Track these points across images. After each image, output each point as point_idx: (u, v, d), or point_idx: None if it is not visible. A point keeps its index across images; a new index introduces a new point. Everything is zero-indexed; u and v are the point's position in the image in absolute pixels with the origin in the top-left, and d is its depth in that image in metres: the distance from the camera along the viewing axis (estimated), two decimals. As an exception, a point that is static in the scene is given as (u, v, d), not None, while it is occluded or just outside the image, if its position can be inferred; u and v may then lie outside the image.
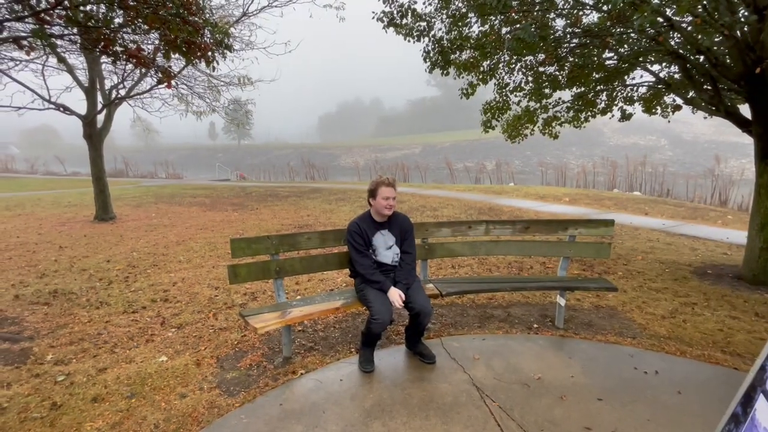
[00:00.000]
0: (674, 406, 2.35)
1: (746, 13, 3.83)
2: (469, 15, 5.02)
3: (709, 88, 4.62)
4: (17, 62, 5.86)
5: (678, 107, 5.85)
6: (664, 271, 4.95)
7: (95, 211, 8.46)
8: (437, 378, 2.62)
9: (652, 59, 5.00)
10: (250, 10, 8.01)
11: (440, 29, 5.37)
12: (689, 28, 4.14)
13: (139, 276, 4.80)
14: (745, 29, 3.90)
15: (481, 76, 5.67)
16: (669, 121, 6.58)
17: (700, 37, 4.00)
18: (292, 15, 8.28)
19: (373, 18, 5.36)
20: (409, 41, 5.44)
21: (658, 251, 5.92)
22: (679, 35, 4.47)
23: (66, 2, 3.07)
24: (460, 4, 5.00)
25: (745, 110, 4.71)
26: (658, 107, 6.08)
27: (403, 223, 2.86)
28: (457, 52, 5.39)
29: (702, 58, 4.36)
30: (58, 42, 4.46)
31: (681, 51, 4.48)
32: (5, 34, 3.46)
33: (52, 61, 6.47)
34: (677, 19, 4.02)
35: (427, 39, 5.38)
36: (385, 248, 2.80)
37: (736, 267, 5.00)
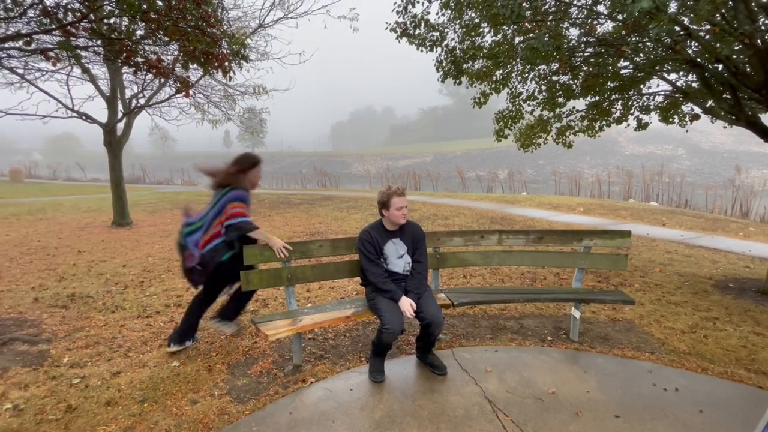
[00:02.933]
0: (696, 425, 2.26)
1: (767, 21, 3.76)
2: (482, 25, 5.05)
3: (728, 97, 4.52)
4: (44, 72, 6.10)
5: (696, 116, 5.72)
6: (683, 284, 4.81)
7: (113, 216, 8.66)
8: (448, 390, 2.58)
9: (669, 68, 4.93)
10: (266, 21, 8.23)
11: (453, 39, 5.40)
12: (707, 37, 4.07)
13: (154, 281, 4.88)
14: (766, 37, 3.82)
15: (493, 86, 5.67)
16: (687, 131, 6.45)
17: (718, 45, 3.93)
18: (307, 26, 8.45)
19: (387, 29, 5.43)
20: (422, 51, 5.49)
21: (677, 263, 5.76)
22: (696, 44, 4.40)
23: (91, 15, 3.19)
24: (473, 15, 5.03)
25: (767, 119, 4.59)
26: (676, 116, 5.96)
27: (414, 232, 2.85)
28: (470, 62, 5.41)
29: (721, 66, 4.28)
30: (83, 53, 4.63)
31: (699, 60, 4.40)
32: (33, 46, 3.61)
33: (77, 71, 6.71)
34: (695, 27, 3.96)
35: (439, 49, 5.41)
36: (397, 257, 2.79)
37: (759, 281, 4.84)
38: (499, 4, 4.18)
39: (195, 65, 3.80)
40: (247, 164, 2.91)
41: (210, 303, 3.18)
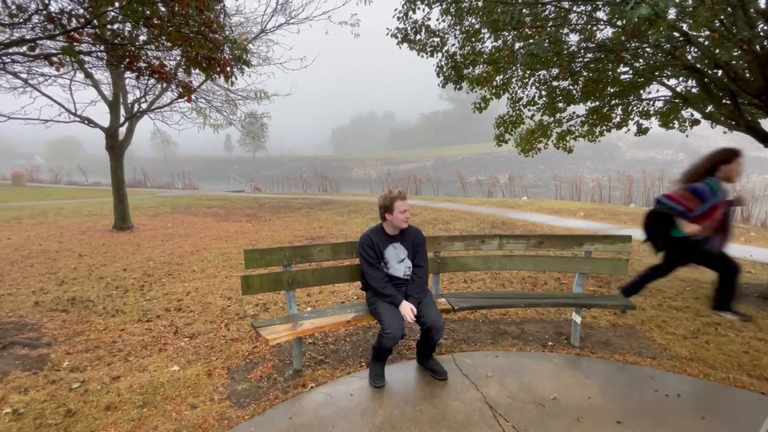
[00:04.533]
0: (698, 431, 2.25)
1: (766, 27, 3.78)
2: (483, 31, 5.08)
3: (728, 102, 4.54)
4: (47, 77, 6.15)
5: (696, 121, 5.74)
6: (684, 289, 4.79)
7: (114, 220, 8.68)
8: (449, 395, 2.57)
9: (669, 73, 4.95)
10: (268, 27, 8.29)
11: (453, 45, 5.43)
12: (706, 43, 4.09)
13: (154, 285, 4.87)
14: (765, 43, 3.84)
15: (494, 91, 5.69)
16: (687, 136, 6.47)
17: (717, 51, 3.95)
18: (308, 31, 8.51)
19: (388, 34, 5.46)
20: (422, 56, 5.52)
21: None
22: (696, 50, 4.42)
23: (95, 21, 3.22)
24: (473, 20, 5.06)
25: (766, 125, 4.60)
26: (676, 121, 5.97)
27: (415, 237, 2.85)
28: (470, 67, 5.43)
29: (720, 72, 4.29)
30: (86, 58, 4.66)
31: (698, 65, 4.42)
32: (37, 51, 3.64)
33: (80, 76, 6.76)
34: (694, 33, 3.98)
35: (440, 54, 5.44)
36: (397, 261, 2.79)
37: (761, 286, 4.82)
38: (499, 10, 4.21)
39: (197, 70, 3.82)
40: (718, 159, 3.15)
41: (661, 274, 3.57)
